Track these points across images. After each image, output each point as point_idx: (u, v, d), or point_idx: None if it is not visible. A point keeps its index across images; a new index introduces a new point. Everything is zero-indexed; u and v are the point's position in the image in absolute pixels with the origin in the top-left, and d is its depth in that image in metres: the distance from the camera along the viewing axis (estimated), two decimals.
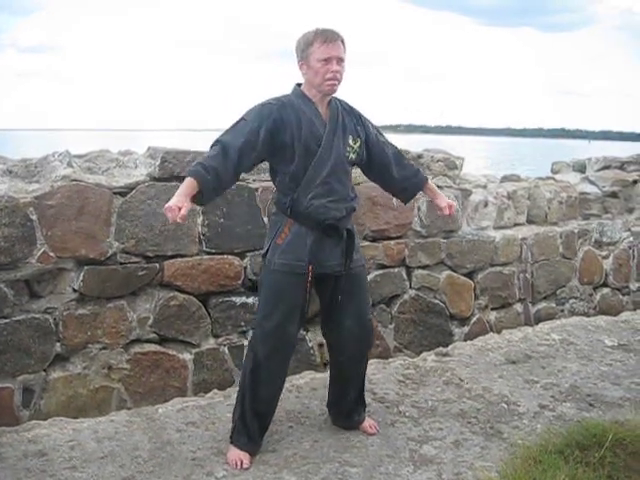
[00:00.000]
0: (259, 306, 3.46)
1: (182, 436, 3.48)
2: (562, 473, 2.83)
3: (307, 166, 3.22)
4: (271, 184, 4.62)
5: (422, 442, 3.47)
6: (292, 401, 3.92)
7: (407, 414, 3.79)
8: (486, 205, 5.90)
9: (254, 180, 4.67)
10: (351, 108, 3.43)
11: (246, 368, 3.39)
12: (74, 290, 4.11)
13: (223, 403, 3.91)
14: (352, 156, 3.38)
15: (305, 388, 4.12)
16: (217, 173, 3.04)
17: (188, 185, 3.00)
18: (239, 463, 3.20)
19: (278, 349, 3.31)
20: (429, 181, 3.70)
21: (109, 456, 3.27)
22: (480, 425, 3.67)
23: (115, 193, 4.19)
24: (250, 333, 4.69)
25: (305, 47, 3.18)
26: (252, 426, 3.32)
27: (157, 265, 4.33)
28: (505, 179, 6.52)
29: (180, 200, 2.91)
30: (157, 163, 4.32)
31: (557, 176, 7.17)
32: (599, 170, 7.15)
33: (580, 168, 7.37)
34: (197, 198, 3.06)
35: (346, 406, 3.60)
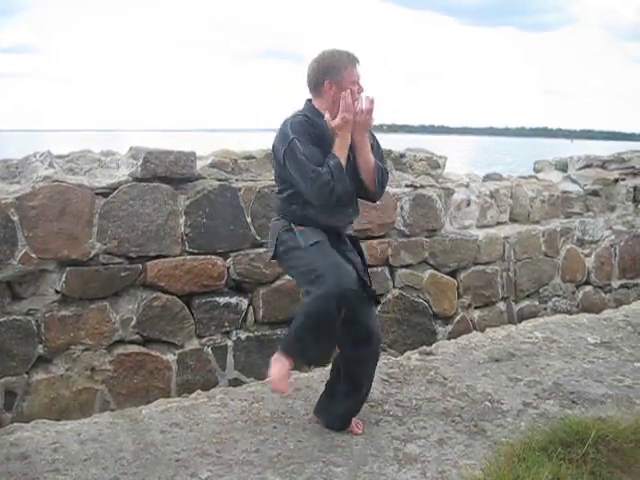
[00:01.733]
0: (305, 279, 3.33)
1: (166, 437, 3.46)
2: (545, 470, 2.83)
3: None
4: (254, 184, 4.64)
5: (406, 441, 3.47)
6: (276, 401, 3.91)
7: (391, 413, 3.79)
8: (469, 204, 5.93)
9: (237, 180, 4.66)
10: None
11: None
12: (56, 291, 4.10)
13: (207, 404, 3.89)
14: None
15: (289, 388, 4.11)
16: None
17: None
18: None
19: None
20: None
21: (92, 458, 3.25)
22: (464, 423, 3.68)
23: (97, 194, 4.18)
24: (234, 333, 4.71)
25: (339, 68, 3.27)
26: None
27: (140, 266, 4.32)
28: (488, 178, 6.54)
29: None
30: (139, 163, 4.31)
31: (539, 175, 7.21)
32: (581, 169, 7.19)
33: (562, 167, 7.40)
34: None
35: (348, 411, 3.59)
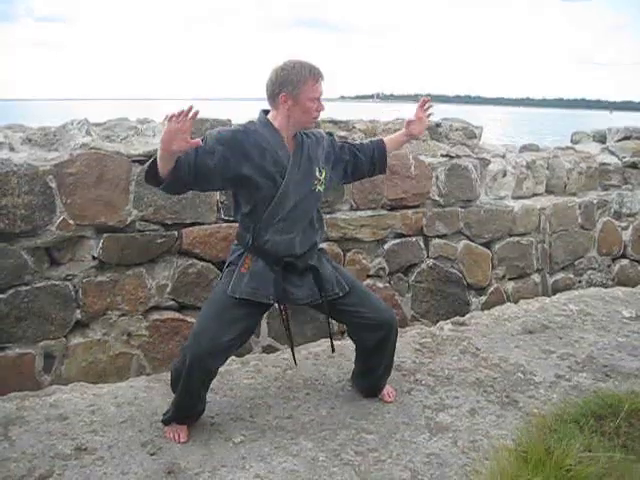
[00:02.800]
0: (200, 316, 3.28)
1: None
2: (577, 442, 2.83)
3: (269, 201, 3.15)
4: None
5: (438, 410, 3.50)
6: (309, 368, 3.95)
7: (423, 382, 3.81)
8: (505, 175, 5.87)
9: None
10: (321, 135, 3.39)
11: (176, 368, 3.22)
12: (93, 257, 4.15)
13: (241, 370, 3.94)
14: (319, 188, 3.30)
15: (322, 355, 4.15)
16: (182, 176, 2.95)
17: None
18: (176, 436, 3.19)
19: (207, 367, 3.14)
20: (384, 139, 3.64)
21: (129, 420, 3.32)
22: (496, 394, 3.69)
23: (134, 161, 4.20)
24: None
25: (296, 84, 3.07)
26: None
27: (175, 233, 4.35)
28: (524, 149, 6.47)
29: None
30: None
31: (577, 146, 7.11)
32: (619, 141, 7.08)
33: (600, 138, 7.30)
34: (164, 178, 2.94)
35: (372, 380, 3.62)
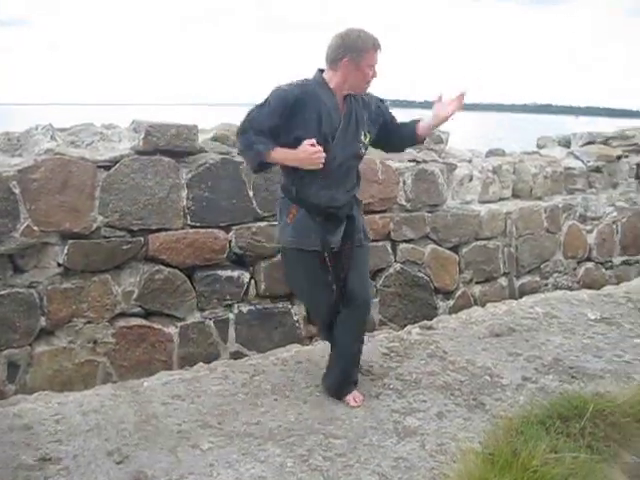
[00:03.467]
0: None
1: (167, 409, 3.48)
2: (543, 443, 2.85)
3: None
4: None
5: (406, 414, 3.49)
6: (277, 374, 3.93)
7: (391, 386, 3.81)
8: (471, 179, 5.92)
9: (239, 154, 4.66)
10: (369, 98, 3.56)
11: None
12: (58, 264, 4.11)
13: (208, 376, 3.91)
14: (362, 150, 3.54)
15: (290, 361, 4.13)
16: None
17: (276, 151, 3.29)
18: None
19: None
20: (419, 122, 3.72)
21: (95, 429, 3.27)
22: (463, 397, 3.70)
23: (99, 167, 4.18)
24: (236, 307, 4.73)
25: (360, 50, 3.30)
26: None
27: (142, 239, 4.33)
28: (490, 153, 6.53)
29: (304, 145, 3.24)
30: (141, 136, 4.30)
31: (542, 151, 7.20)
32: (584, 145, 7.18)
33: (565, 143, 7.39)
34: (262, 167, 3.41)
35: (338, 378, 3.65)
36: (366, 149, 3.57)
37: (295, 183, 3.45)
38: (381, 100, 3.65)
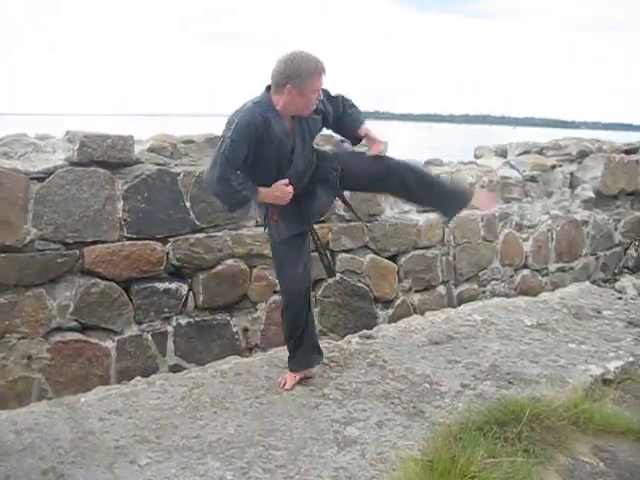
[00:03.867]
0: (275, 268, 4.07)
1: (105, 425, 3.42)
2: (481, 449, 2.89)
3: (278, 172, 3.54)
4: (193, 169, 4.62)
5: (346, 423, 3.50)
6: (216, 386, 3.90)
7: (331, 396, 3.81)
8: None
9: (176, 165, 4.62)
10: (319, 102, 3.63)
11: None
12: None
13: (147, 390, 3.85)
14: (313, 153, 3.75)
15: (229, 373, 4.10)
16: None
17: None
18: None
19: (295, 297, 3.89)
20: (362, 127, 3.86)
21: (29, 448, 3.19)
22: (403, 405, 3.72)
23: (32, 178, 4.10)
24: (174, 319, 4.69)
25: (305, 77, 3.35)
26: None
27: (77, 252, 4.26)
28: (428, 163, 6.59)
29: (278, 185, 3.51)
30: (76, 147, 4.24)
31: (479, 161, 7.31)
32: (520, 155, 7.31)
33: (502, 153, 7.52)
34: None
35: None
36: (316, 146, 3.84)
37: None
38: (330, 96, 3.72)
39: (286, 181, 3.51)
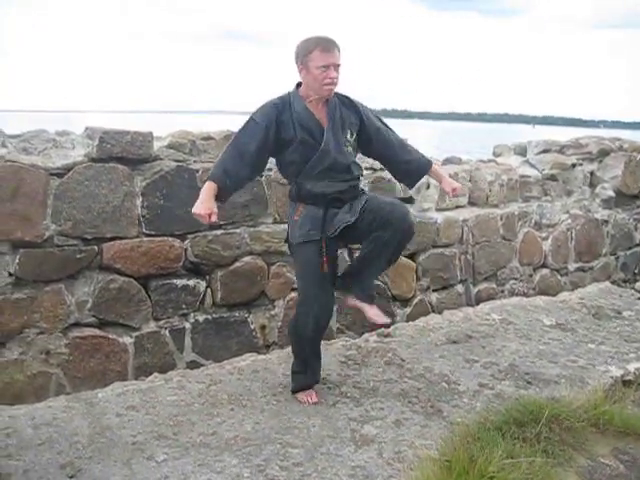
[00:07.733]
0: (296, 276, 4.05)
1: (122, 420, 3.43)
2: (499, 449, 2.86)
3: (307, 157, 3.54)
4: (212, 165, 4.61)
5: (363, 422, 3.49)
6: (234, 383, 3.90)
7: (349, 395, 3.80)
8: (428, 187, 5.95)
9: (195, 161, 4.63)
10: (351, 101, 3.70)
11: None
12: (9, 274, 4.03)
13: (164, 386, 3.86)
14: (349, 149, 3.65)
15: (247, 370, 4.10)
16: (237, 175, 3.49)
17: (210, 188, 3.40)
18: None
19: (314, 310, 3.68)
20: (434, 165, 3.94)
21: (47, 443, 3.20)
22: (421, 404, 3.70)
23: (52, 174, 4.11)
24: (192, 316, 4.69)
25: (305, 54, 3.44)
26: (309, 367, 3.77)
27: (96, 247, 4.26)
28: (447, 161, 6.57)
29: (208, 207, 3.34)
30: (95, 143, 4.25)
31: (498, 159, 7.27)
32: (539, 153, 7.26)
33: (521, 151, 7.47)
34: (217, 198, 3.44)
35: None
36: (353, 149, 3.69)
37: (292, 181, 3.66)
38: (351, 101, 3.72)
39: (214, 211, 3.38)
